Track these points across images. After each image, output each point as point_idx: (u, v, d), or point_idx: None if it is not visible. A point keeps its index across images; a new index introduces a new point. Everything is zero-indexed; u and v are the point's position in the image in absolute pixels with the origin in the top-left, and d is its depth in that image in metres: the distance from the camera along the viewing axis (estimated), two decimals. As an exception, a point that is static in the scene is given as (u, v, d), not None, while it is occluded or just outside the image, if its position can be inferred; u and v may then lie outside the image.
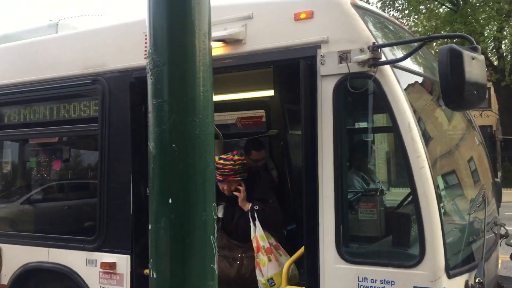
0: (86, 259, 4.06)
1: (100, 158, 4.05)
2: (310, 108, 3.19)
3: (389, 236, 3.17)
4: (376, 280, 2.98)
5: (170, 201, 1.92)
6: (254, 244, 3.67)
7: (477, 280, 3.08)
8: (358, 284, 3.03)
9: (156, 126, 1.95)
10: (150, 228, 1.99)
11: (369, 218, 3.21)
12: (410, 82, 3.28)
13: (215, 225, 2.04)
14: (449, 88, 2.49)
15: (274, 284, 3.60)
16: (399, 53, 3.36)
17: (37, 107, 4.54)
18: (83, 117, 4.24)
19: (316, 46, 3.20)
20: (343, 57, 3.07)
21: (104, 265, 3.96)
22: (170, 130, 1.93)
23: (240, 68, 3.60)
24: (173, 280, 1.95)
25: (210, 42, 2.07)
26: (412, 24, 22.88)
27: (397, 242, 3.06)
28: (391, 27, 3.80)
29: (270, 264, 3.61)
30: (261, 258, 3.64)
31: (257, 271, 3.68)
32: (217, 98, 5.71)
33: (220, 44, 3.54)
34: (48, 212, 4.84)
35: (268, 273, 3.61)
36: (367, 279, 3.01)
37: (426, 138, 3.12)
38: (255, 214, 3.72)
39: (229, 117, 6.85)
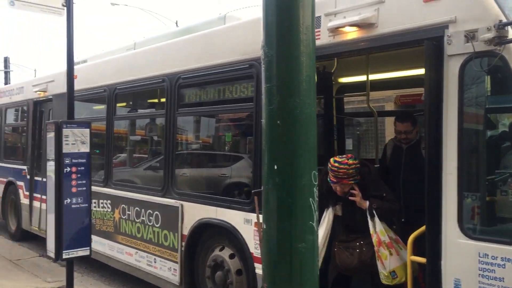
0: (244, 218, 4.72)
1: (255, 133, 4.66)
2: (436, 87, 3.28)
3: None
4: (496, 257, 3.01)
5: (275, 167, 2.36)
6: (375, 239, 3.83)
7: None
8: (479, 259, 3.09)
9: (266, 106, 2.40)
10: (262, 188, 2.47)
11: (496, 197, 3.20)
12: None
13: (315, 189, 2.42)
14: None
15: (397, 277, 3.73)
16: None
17: (208, 88, 5.38)
18: (243, 97, 4.91)
19: (443, 26, 3.26)
20: (469, 36, 3.09)
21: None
22: (276, 109, 2.35)
23: (372, 50, 3.82)
24: (279, 232, 2.39)
25: (313, 34, 2.42)
26: None
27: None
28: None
29: (392, 258, 3.74)
30: (383, 252, 3.78)
31: (379, 264, 3.83)
32: (375, 76, 5.94)
33: (354, 28, 3.80)
34: (216, 178, 5.71)
35: (390, 266, 3.74)
36: (487, 255, 3.05)
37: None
38: (374, 212, 3.88)
39: (388, 95, 6.94)
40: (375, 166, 5.95)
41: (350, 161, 3.99)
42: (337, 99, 6.78)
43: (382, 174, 5.16)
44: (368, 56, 5.07)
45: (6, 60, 37.62)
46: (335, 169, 3.98)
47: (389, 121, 14.70)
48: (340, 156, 4.10)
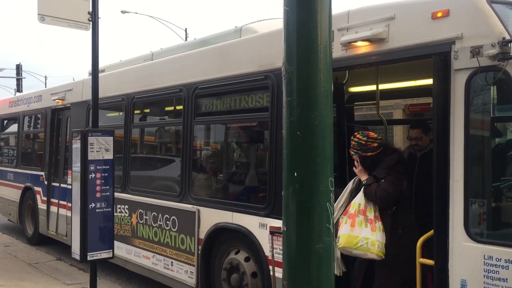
0: (259, 223, 4.93)
1: (270, 141, 4.89)
2: (443, 99, 3.50)
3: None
4: (500, 259, 3.20)
5: (295, 174, 2.57)
6: (347, 207, 4.25)
7: None
8: (484, 261, 3.28)
9: (287, 118, 2.61)
10: (283, 194, 2.69)
11: (500, 203, 3.40)
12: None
13: (331, 195, 2.62)
14: None
15: (338, 241, 4.14)
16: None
17: (224, 98, 5.61)
18: (258, 107, 5.13)
19: (450, 42, 3.48)
20: (475, 52, 3.30)
21: (272, 228, 4.78)
22: (296, 120, 2.56)
23: (382, 63, 4.05)
24: (298, 233, 2.60)
25: (330, 52, 2.64)
26: None
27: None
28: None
29: (345, 226, 4.14)
30: (343, 219, 4.21)
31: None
32: (385, 86, 6.14)
33: (366, 43, 4.02)
34: (232, 184, 5.92)
35: (340, 231, 4.15)
36: (492, 257, 3.24)
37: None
38: (363, 187, 4.24)
39: (397, 104, 7.17)
40: None
41: (358, 135, 4.42)
42: (347, 108, 6.99)
43: None
44: (377, 67, 5.28)
45: (18, 67, 38.32)
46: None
47: (397, 129, 14.92)
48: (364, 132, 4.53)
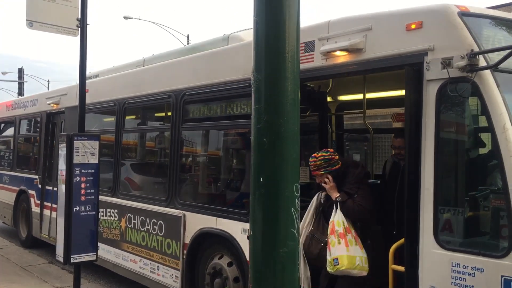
0: (241, 228, 4.98)
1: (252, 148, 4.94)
2: (415, 109, 3.57)
3: (482, 229, 3.40)
4: (467, 266, 3.27)
5: (261, 179, 2.65)
6: (330, 227, 4.11)
7: None
8: (451, 268, 3.34)
9: (254, 125, 2.70)
10: (250, 198, 2.76)
11: (465, 211, 3.46)
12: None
13: (297, 200, 2.70)
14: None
15: (338, 264, 3.99)
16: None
17: (211, 104, 5.70)
18: (243, 114, 5.21)
19: (423, 53, 3.56)
20: (445, 63, 3.39)
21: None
22: (263, 127, 2.64)
23: (360, 73, 4.13)
24: (264, 237, 2.67)
25: (298, 61, 2.72)
26: None
27: (489, 234, 3.28)
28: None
29: (339, 246, 3.99)
30: (332, 239, 4.05)
31: (327, 251, 4.11)
32: (372, 95, 6.22)
33: (344, 53, 4.10)
34: (217, 189, 6.00)
35: (335, 253, 4.00)
36: (459, 264, 3.31)
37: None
38: (338, 204, 4.17)
39: (385, 113, 7.26)
40: (375, 181, 6.21)
41: (319, 154, 4.38)
42: (336, 116, 7.08)
43: (380, 189, 5.44)
44: (365, 76, 5.37)
45: (20, 71, 38.54)
46: (310, 162, 4.43)
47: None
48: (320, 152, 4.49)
